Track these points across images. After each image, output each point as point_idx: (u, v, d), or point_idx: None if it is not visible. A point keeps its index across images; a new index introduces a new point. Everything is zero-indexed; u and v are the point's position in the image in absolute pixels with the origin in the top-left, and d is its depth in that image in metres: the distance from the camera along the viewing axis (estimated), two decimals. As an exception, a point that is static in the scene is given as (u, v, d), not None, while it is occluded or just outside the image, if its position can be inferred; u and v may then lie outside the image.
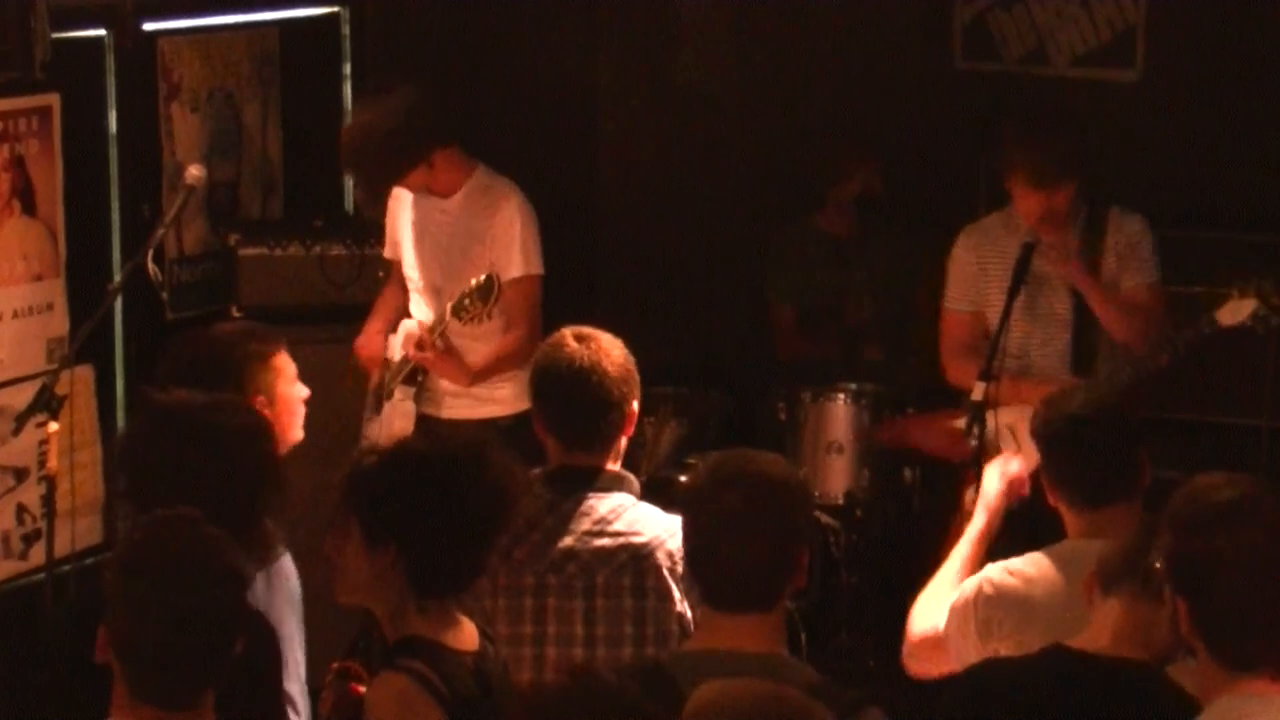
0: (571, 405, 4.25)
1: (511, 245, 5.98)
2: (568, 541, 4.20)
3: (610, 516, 4.22)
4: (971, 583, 4.17)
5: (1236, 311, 5.53)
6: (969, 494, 5.68)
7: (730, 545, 3.43)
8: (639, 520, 4.24)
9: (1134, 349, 5.78)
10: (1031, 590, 4.08)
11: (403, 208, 6.24)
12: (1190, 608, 3.07)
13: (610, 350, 4.29)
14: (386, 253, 6.39)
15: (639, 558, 4.19)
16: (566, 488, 4.25)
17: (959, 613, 4.13)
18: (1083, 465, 4.12)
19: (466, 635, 3.64)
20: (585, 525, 4.22)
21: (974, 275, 6.03)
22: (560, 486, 4.25)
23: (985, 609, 4.09)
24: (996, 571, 4.16)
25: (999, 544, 5.29)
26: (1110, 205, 5.94)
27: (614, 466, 4.30)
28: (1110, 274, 5.87)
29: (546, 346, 4.34)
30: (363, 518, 3.59)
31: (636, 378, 4.31)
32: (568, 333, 4.32)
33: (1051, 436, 4.23)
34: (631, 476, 4.33)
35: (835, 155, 7.33)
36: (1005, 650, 4.01)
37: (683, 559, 3.64)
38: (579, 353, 4.25)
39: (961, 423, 5.90)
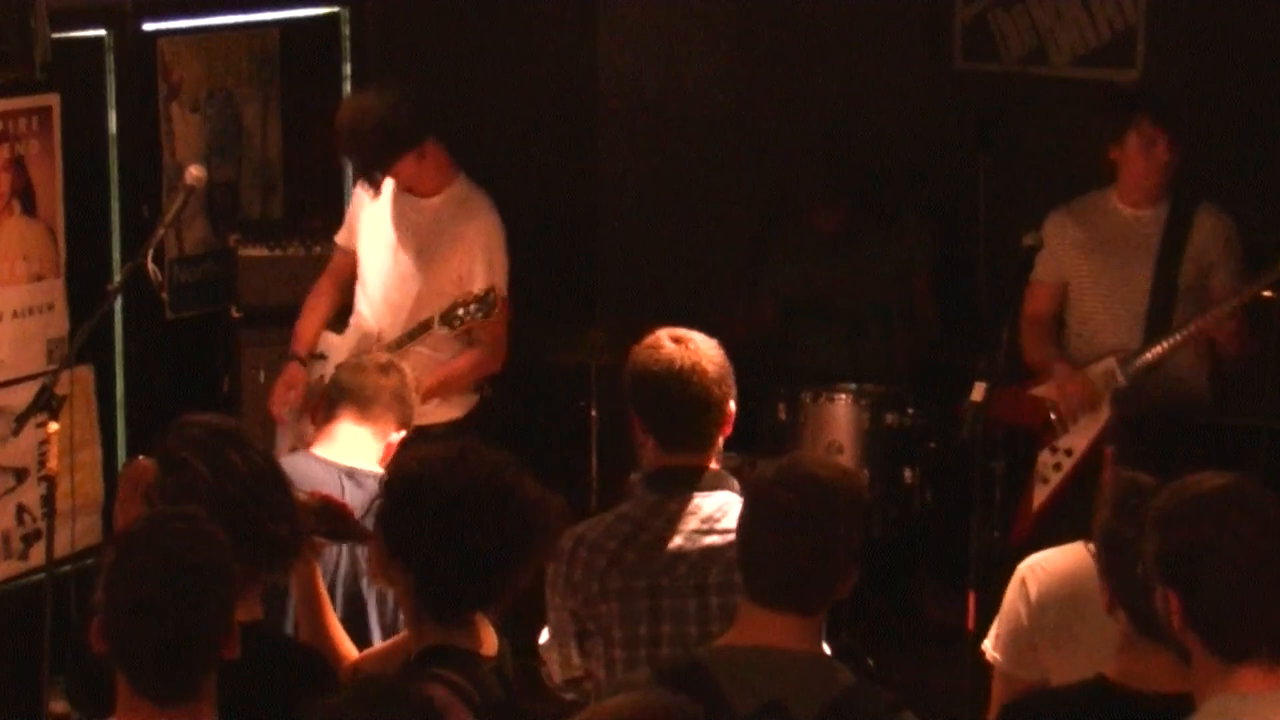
0: (673, 406, 4.24)
1: (478, 259, 6.03)
2: (677, 542, 4.17)
3: (717, 515, 4.19)
4: (1018, 571, 4.14)
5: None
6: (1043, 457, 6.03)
7: (779, 542, 3.48)
8: None
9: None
10: (1076, 581, 4.04)
11: (379, 200, 6.23)
12: (1182, 601, 3.07)
13: (707, 350, 4.29)
14: (340, 238, 6.39)
15: None
16: (670, 489, 4.23)
17: (1008, 603, 4.12)
18: (1158, 463, 3.91)
19: (488, 640, 3.67)
20: (693, 524, 4.20)
21: (1058, 249, 6.16)
22: (664, 488, 4.24)
23: (1038, 593, 4.06)
24: (1039, 559, 4.14)
25: (1061, 524, 5.33)
26: (1199, 201, 6.18)
27: (714, 466, 4.30)
28: (1192, 271, 6.07)
29: (642, 349, 4.31)
30: (383, 532, 3.64)
31: (733, 377, 4.32)
32: (663, 334, 4.31)
33: (1134, 422, 4.16)
34: (731, 475, 4.32)
35: (808, 189, 7.31)
36: (1052, 645, 4.00)
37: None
38: (678, 353, 4.25)
39: (1043, 390, 5.99)
